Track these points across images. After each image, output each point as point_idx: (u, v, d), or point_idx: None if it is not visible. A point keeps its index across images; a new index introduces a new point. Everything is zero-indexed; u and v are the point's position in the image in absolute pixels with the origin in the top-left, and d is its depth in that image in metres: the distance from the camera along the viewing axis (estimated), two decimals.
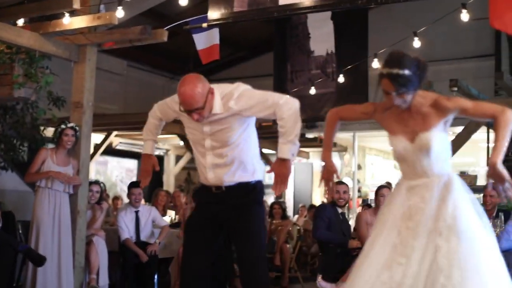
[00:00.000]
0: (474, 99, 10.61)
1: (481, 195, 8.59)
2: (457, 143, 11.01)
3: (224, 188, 5.25)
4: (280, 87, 15.89)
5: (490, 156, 4.34)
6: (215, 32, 9.28)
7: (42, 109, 9.55)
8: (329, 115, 4.93)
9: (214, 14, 7.70)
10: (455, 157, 11.30)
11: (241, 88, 5.13)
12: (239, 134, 5.16)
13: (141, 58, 17.29)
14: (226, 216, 5.26)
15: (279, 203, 13.46)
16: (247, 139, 5.25)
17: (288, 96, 5.09)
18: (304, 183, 19.48)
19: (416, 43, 9.32)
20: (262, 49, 18.19)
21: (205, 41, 9.36)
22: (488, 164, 4.33)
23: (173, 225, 11.57)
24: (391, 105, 4.44)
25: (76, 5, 7.95)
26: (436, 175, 4.49)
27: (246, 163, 5.25)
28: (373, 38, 14.49)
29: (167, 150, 18.98)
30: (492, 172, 4.26)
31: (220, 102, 5.04)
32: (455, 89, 10.05)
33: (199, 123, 5.11)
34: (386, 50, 10.27)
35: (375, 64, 10.37)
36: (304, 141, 14.60)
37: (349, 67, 11.90)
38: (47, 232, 8.12)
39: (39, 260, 7.68)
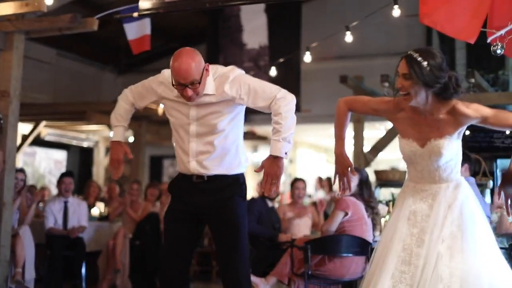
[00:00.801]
0: None
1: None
2: (388, 138, 11.11)
3: (206, 178, 4.96)
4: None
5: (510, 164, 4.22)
6: (147, 22, 9.15)
7: None
8: (339, 106, 4.72)
9: (145, 3, 7.59)
10: (386, 153, 11.44)
11: (236, 71, 4.90)
12: (228, 121, 4.90)
13: (72, 47, 17.02)
14: (207, 207, 4.99)
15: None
16: (234, 128, 4.99)
17: (285, 90, 4.85)
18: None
19: (348, 37, 9.36)
20: (195, 40, 18.07)
21: (136, 31, 9.22)
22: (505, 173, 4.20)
23: (102, 218, 11.44)
24: (403, 103, 4.34)
25: None
26: (444, 182, 4.40)
27: (232, 153, 4.99)
28: (306, 32, 14.54)
29: (97, 142, 18.76)
30: (507, 183, 4.15)
31: (212, 82, 4.81)
32: (387, 84, 10.13)
33: (186, 106, 4.86)
34: (318, 44, 10.33)
35: (307, 57, 10.37)
36: None
37: (281, 60, 11.89)
38: None
39: None
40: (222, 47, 16.14)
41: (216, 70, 4.88)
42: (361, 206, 7.09)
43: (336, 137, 4.67)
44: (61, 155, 18.97)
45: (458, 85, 4.28)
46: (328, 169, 18.64)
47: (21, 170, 9.74)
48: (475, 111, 4.25)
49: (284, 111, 4.70)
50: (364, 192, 7.27)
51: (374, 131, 13.58)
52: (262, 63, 15.39)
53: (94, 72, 18.86)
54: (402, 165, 15.09)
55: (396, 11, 8.28)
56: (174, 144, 5.07)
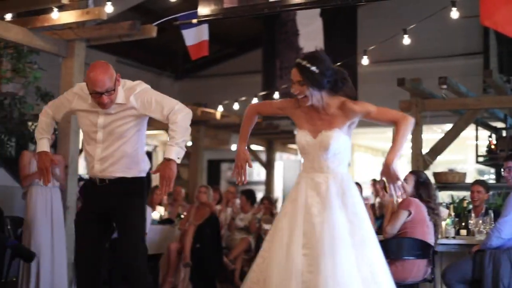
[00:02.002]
0: (463, 97, 10.68)
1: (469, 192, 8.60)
2: (446, 141, 11.02)
3: (108, 181, 5.56)
4: (269, 84, 15.88)
5: (387, 155, 4.72)
6: (205, 28, 9.23)
7: (30, 105, 9.52)
8: (247, 110, 5.25)
9: (204, 10, 7.66)
10: (444, 155, 11.35)
11: (143, 85, 5.55)
12: (131, 129, 5.51)
13: (130, 53, 17.23)
14: (110, 209, 5.56)
15: (268, 198, 13.43)
16: (137, 136, 5.58)
17: (182, 104, 5.49)
18: (293, 180, 19.45)
19: (406, 40, 9.31)
20: (251, 45, 18.15)
21: (194, 37, 9.31)
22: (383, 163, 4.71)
23: (162, 221, 11.55)
24: (297, 103, 4.86)
25: (65, 0, 7.90)
26: (331, 172, 4.83)
27: (132, 158, 5.57)
28: (362, 35, 14.50)
29: (155, 146, 18.94)
30: (386, 171, 4.67)
31: (122, 93, 5.43)
32: (445, 86, 10.04)
33: (95, 115, 5.46)
34: (375, 47, 10.30)
35: (364, 61, 10.35)
36: (293, 138, 14.59)
37: (338, 64, 11.87)
38: (41, 227, 8.12)
39: (29, 256, 7.67)
40: (279, 51, 16.17)
41: (125, 83, 5.52)
42: (423, 207, 7.04)
43: (240, 136, 5.23)
44: None
45: (344, 78, 4.84)
46: None
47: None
48: (360, 106, 4.79)
49: (180, 120, 5.35)
50: (422, 193, 7.21)
51: (432, 134, 13.50)
52: None
53: (152, 78, 19.01)
54: (460, 167, 14.88)
55: (455, 13, 8.21)
56: (83, 149, 5.74)
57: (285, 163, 19.71)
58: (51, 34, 8.71)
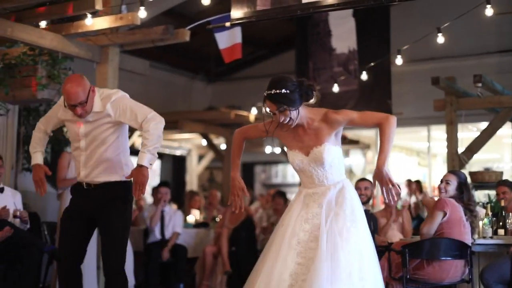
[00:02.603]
0: (498, 95, 10.59)
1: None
2: (482, 140, 10.92)
3: (93, 186, 5.90)
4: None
5: (377, 159, 4.84)
6: (237, 31, 9.25)
7: None
8: (234, 136, 5.52)
9: (237, 13, 7.67)
10: (480, 154, 11.25)
11: (119, 94, 5.85)
12: (111, 136, 5.82)
13: (163, 57, 17.29)
14: (95, 211, 5.86)
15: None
16: (118, 142, 5.88)
17: (156, 113, 5.76)
18: None
19: (440, 39, 9.26)
20: (283, 47, 18.12)
21: (227, 40, 9.33)
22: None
23: (198, 225, 11.59)
24: (281, 124, 4.96)
25: (98, 6, 7.96)
26: (331, 183, 5.03)
27: (116, 164, 5.89)
28: (396, 35, 14.41)
29: (190, 150, 18.99)
30: (378, 174, 4.76)
31: (99, 101, 5.74)
32: (480, 84, 9.96)
33: (76, 124, 5.80)
34: (409, 47, 10.24)
35: (398, 60, 10.31)
36: None
37: (371, 64, 11.84)
38: None
39: None
40: (311, 52, 16.11)
41: (103, 91, 5.86)
42: (459, 208, 6.99)
43: (232, 163, 5.48)
44: (155, 164, 19.17)
45: (310, 85, 4.99)
46: (420, 172, 18.42)
47: None
48: (343, 115, 4.93)
49: (152, 128, 5.63)
50: (464, 195, 7.15)
51: (468, 132, 13.39)
52: (351, 68, 15.30)
53: (185, 82, 19.09)
54: (496, 166, 14.75)
55: (489, 11, 8.15)
56: (72, 156, 6.14)
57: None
58: (85, 40, 8.77)
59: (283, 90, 4.82)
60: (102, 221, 5.90)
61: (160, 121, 5.74)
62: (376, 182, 4.87)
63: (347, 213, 4.87)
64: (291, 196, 17.44)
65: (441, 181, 7.27)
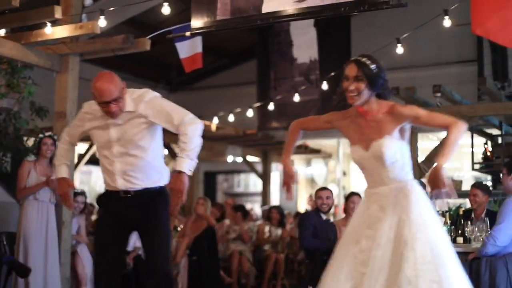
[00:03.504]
0: (457, 105, 10.69)
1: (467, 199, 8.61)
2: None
3: (133, 193, 5.48)
4: (264, 95, 15.89)
5: (437, 161, 4.47)
6: (198, 40, 9.27)
7: (25, 120, 9.50)
8: (291, 126, 5.09)
9: (197, 22, 7.68)
10: None
11: (151, 94, 5.43)
12: (146, 138, 5.41)
13: (124, 66, 17.23)
14: (134, 219, 5.51)
15: (278, 208, 13.46)
16: (153, 144, 5.49)
17: (194, 115, 5.37)
18: None
19: (399, 49, 9.33)
20: (245, 57, 18.17)
21: (188, 49, 9.34)
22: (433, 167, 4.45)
23: None
24: (348, 99, 4.58)
25: (58, 15, 7.93)
26: (393, 183, 4.61)
27: (153, 167, 5.52)
28: (356, 45, 14.52)
29: None
30: (436, 175, 4.37)
31: (131, 101, 5.34)
32: (439, 94, 10.05)
33: (107, 130, 5.39)
34: None
35: None
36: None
37: (332, 74, 11.90)
38: (35, 243, 8.10)
39: (24, 272, 7.66)
40: (273, 62, 16.17)
41: (133, 91, 5.42)
42: None
43: (285, 151, 5.06)
44: None
45: (393, 88, 4.81)
46: None
47: (82, 193, 9.89)
48: (410, 109, 4.61)
49: (190, 131, 5.25)
50: None
51: (428, 141, 13.49)
52: (313, 77, 15.38)
53: None
54: (456, 175, 14.83)
55: (447, 22, 8.23)
56: (100, 165, 5.61)
57: (281, 174, 19.76)
58: (45, 49, 8.72)
59: (373, 66, 4.50)
60: (144, 230, 5.55)
61: (199, 124, 5.34)
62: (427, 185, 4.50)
63: (412, 218, 4.43)
64: (251, 205, 17.47)
65: None
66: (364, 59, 4.54)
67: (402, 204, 4.51)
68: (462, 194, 9.57)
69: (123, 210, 5.52)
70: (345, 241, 4.70)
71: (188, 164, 5.19)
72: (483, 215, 8.19)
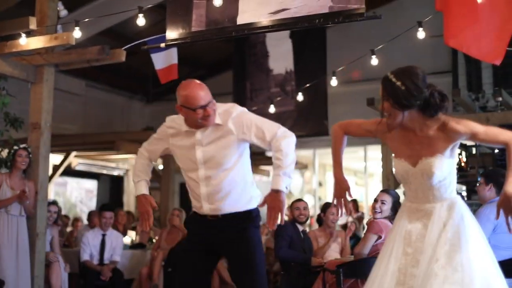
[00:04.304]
0: None
1: None
2: None
3: (221, 216, 5.08)
4: (240, 106, 15.89)
5: (505, 185, 4.06)
6: (174, 51, 9.26)
7: None
8: (334, 130, 4.76)
9: (172, 34, 7.68)
10: None
11: (238, 108, 5.06)
12: (234, 159, 5.02)
13: (100, 77, 17.20)
14: (222, 243, 5.12)
15: None
16: (241, 165, 5.10)
17: (285, 128, 4.98)
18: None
19: (374, 60, 9.38)
20: (221, 67, 18.19)
21: (164, 60, 9.34)
22: (503, 194, 4.05)
23: (134, 246, 11.50)
24: (391, 126, 4.30)
25: (33, 26, 7.91)
26: (438, 201, 4.33)
27: (241, 190, 5.10)
28: (332, 56, 14.58)
29: (127, 170, 18.86)
30: (506, 203, 4.02)
31: (217, 115, 4.96)
32: None
33: (192, 150, 4.99)
34: (344, 68, 10.36)
35: (334, 82, 10.41)
36: (265, 159, 14.60)
37: (307, 85, 11.94)
38: (6, 257, 8.04)
39: None
40: (249, 73, 16.20)
41: (218, 105, 5.00)
42: None
43: (334, 162, 4.73)
44: (92, 185, 19.08)
45: (442, 100, 4.24)
46: (358, 192, 18.59)
47: (54, 203, 9.84)
48: (465, 126, 4.19)
49: (284, 146, 4.82)
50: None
51: None
52: (289, 88, 15.43)
53: (123, 102, 19.01)
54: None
55: (421, 33, 8.28)
56: (187, 187, 5.20)
57: (257, 185, 19.71)
58: (19, 60, 8.68)
59: (399, 84, 4.15)
60: (233, 253, 5.13)
61: (292, 138, 4.92)
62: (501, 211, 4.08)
63: (448, 236, 4.16)
64: None
65: (376, 201, 7.28)
66: (391, 76, 4.20)
67: (445, 223, 4.24)
68: None
69: (209, 232, 5.13)
70: (385, 257, 4.39)
71: (285, 181, 4.81)
72: None
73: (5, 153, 9.12)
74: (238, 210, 5.08)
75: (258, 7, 7.26)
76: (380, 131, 4.47)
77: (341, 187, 4.61)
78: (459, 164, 12.51)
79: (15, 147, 8.34)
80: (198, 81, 4.99)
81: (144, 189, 5.27)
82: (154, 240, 11.36)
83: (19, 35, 8.15)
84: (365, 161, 16.78)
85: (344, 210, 4.60)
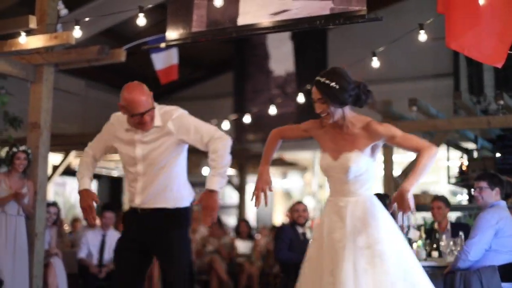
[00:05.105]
0: (433, 118, 10.72)
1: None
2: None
3: (150, 211, 5.35)
4: (240, 107, 15.88)
5: (404, 182, 4.50)
6: (174, 52, 9.26)
7: None
8: (271, 134, 5.07)
9: (172, 34, 7.64)
10: None
11: (180, 111, 5.36)
12: (171, 158, 5.32)
13: (100, 77, 17.16)
14: (151, 240, 5.35)
15: (245, 221, 13.55)
16: (177, 164, 5.39)
17: (222, 132, 5.30)
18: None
19: (375, 63, 9.33)
20: (222, 69, 18.16)
21: (164, 61, 9.33)
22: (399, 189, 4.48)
23: None
24: (324, 122, 4.66)
25: (33, 25, 7.86)
26: (353, 196, 4.67)
27: (175, 188, 5.38)
28: (332, 58, 14.56)
29: None
30: (400, 198, 4.44)
31: (159, 116, 5.28)
32: (415, 108, 10.08)
33: (132, 146, 5.31)
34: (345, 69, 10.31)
35: None
36: None
37: (308, 86, 11.89)
38: (3, 257, 8.01)
39: None
40: (249, 74, 16.19)
41: (160, 107, 5.37)
42: None
43: (262, 161, 5.04)
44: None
45: (368, 91, 4.67)
46: None
47: (54, 204, 9.81)
48: (385, 128, 4.61)
49: (220, 148, 5.17)
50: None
51: (404, 155, 13.53)
52: (289, 90, 15.42)
53: None
54: (433, 189, 14.88)
55: (423, 36, 8.24)
56: (126, 180, 5.60)
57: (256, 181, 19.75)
58: (19, 59, 8.64)
59: (333, 84, 4.49)
60: (160, 253, 5.38)
61: (228, 141, 5.25)
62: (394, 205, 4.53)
63: (371, 233, 4.53)
64: (226, 218, 17.39)
65: None
66: (323, 79, 4.54)
67: (363, 219, 4.59)
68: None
69: (140, 228, 5.38)
70: (313, 251, 4.79)
71: (220, 182, 5.15)
72: (448, 227, 8.25)
73: (4, 152, 9.09)
74: (168, 207, 5.34)
75: (259, 8, 7.23)
76: (314, 129, 4.83)
77: (264, 180, 4.94)
78: (460, 167, 12.48)
79: (14, 149, 8.28)
80: (143, 87, 5.28)
81: (86, 184, 5.47)
82: None
83: (19, 34, 8.12)
84: None
85: (263, 201, 4.95)
